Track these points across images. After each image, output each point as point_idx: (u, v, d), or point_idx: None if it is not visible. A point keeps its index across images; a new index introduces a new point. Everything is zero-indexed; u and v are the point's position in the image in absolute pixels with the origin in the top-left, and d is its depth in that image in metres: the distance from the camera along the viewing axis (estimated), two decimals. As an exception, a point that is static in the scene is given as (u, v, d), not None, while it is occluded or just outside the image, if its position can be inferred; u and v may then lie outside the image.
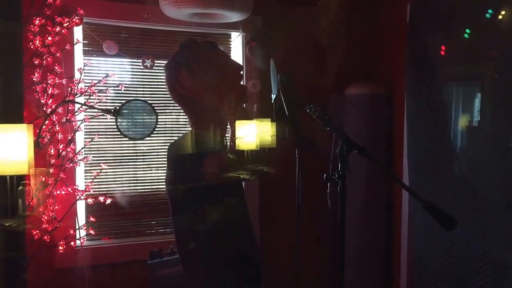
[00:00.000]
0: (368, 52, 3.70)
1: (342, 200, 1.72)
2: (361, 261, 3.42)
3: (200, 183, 2.05)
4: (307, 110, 1.87)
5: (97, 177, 2.99)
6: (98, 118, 3.02)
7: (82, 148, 2.94)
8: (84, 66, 2.94)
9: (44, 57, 2.75)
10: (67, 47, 2.84)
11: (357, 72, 3.61)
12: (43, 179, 2.70)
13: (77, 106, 2.86)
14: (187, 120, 3.31)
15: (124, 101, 2.32)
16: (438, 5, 2.89)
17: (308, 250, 2.87)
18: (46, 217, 2.74)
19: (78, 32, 3.05)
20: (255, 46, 3.36)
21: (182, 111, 3.30)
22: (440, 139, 2.85)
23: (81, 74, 2.88)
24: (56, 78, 2.80)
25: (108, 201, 2.90)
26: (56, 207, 2.80)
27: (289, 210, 2.54)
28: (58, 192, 2.79)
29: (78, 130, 2.89)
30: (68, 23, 2.80)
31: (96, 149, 3.17)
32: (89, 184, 2.94)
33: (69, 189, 2.83)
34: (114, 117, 2.28)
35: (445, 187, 2.80)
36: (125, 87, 3.06)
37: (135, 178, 3.29)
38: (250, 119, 2.38)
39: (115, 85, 3.03)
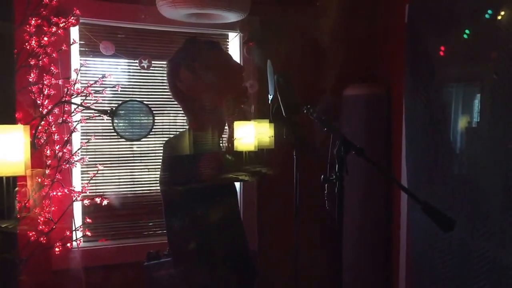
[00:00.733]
0: (366, 52, 3.69)
1: (340, 201, 1.71)
2: (360, 262, 3.41)
3: (195, 183, 2.04)
4: (305, 111, 1.86)
5: (93, 178, 2.97)
6: (95, 119, 3.00)
7: (78, 149, 2.93)
8: (81, 66, 2.93)
9: (40, 57, 2.74)
10: (63, 48, 2.83)
11: (356, 73, 3.60)
12: (39, 180, 2.70)
13: (73, 106, 2.84)
14: (184, 120, 3.31)
15: (120, 102, 2.31)
16: (437, 6, 2.88)
17: (306, 251, 2.86)
18: (42, 219, 2.74)
19: (74, 33, 3.04)
20: (252, 47, 3.35)
21: (179, 112, 3.31)
22: (439, 140, 2.84)
23: (77, 74, 2.87)
24: (52, 79, 2.78)
25: (105, 202, 2.89)
26: (52, 208, 2.79)
27: (287, 211, 2.53)
28: (55, 193, 2.78)
29: (75, 131, 2.87)
30: (64, 24, 2.79)
31: (93, 150, 3.15)
32: (86, 185, 2.93)
33: (66, 190, 2.82)
34: (110, 118, 2.27)
35: (444, 188, 2.79)
36: (121, 87, 3.05)
37: (132, 179, 3.28)
38: (249, 120, 2.37)
39: (112, 86, 3.02)
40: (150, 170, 3.30)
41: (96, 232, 3.13)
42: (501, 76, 2.39)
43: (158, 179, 3.19)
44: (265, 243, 3.45)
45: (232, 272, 2.19)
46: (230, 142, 2.31)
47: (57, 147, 2.79)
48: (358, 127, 3.38)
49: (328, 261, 3.49)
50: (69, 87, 2.84)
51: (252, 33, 3.35)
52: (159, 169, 2.27)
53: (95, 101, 2.93)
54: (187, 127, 2.31)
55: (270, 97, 2.27)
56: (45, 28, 2.75)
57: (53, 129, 2.78)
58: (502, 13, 2.42)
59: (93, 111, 2.83)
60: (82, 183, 3.09)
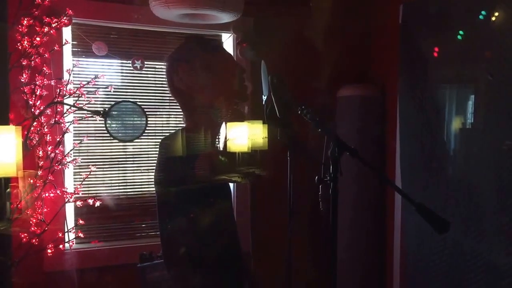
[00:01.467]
0: (360, 53, 3.70)
1: (334, 203, 1.70)
2: (354, 263, 3.41)
3: (189, 184, 2.02)
4: (299, 112, 1.85)
5: (86, 179, 2.96)
6: (87, 120, 2.98)
7: (71, 150, 2.91)
8: (73, 67, 2.91)
9: (33, 58, 2.72)
10: (55, 48, 2.81)
11: (350, 74, 3.60)
12: (32, 181, 2.68)
13: (66, 107, 2.83)
14: (177, 121, 3.30)
15: (113, 103, 2.29)
16: (431, 7, 2.89)
17: (300, 253, 2.85)
18: (34, 220, 2.72)
19: (67, 33, 3.02)
20: (246, 47, 3.33)
21: (172, 112, 3.30)
22: (433, 141, 2.85)
23: (70, 75, 2.85)
24: (45, 79, 2.77)
25: (98, 203, 2.87)
26: (45, 210, 2.77)
27: (281, 213, 2.52)
28: (47, 194, 2.76)
29: (67, 132, 2.86)
30: (56, 24, 2.77)
31: (85, 151, 3.14)
32: (78, 186, 2.91)
33: (58, 192, 2.80)
34: (103, 119, 2.25)
35: (438, 189, 2.79)
36: (114, 88, 3.04)
37: (125, 181, 3.26)
38: (243, 120, 2.36)
39: (105, 87, 3.01)
40: (143, 171, 3.28)
41: (89, 233, 3.11)
42: (495, 77, 2.39)
43: (151, 180, 3.21)
44: (259, 245, 3.44)
45: (224, 274, 2.18)
46: (224, 143, 2.30)
47: (49, 148, 2.77)
48: (352, 128, 3.38)
49: (322, 262, 3.49)
50: (61, 88, 2.82)
51: (245, 34, 3.34)
52: (153, 170, 2.26)
53: (87, 102, 2.91)
54: (180, 127, 2.29)
55: (264, 97, 2.26)
56: (37, 28, 2.73)
57: (46, 130, 2.76)
58: (496, 14, 2.43)
59: (85, 112, 2.82)
60: (74, 184, 3.07)
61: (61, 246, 2.85)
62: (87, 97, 2.91)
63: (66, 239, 2.88)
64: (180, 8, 2.56)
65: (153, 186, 2.26)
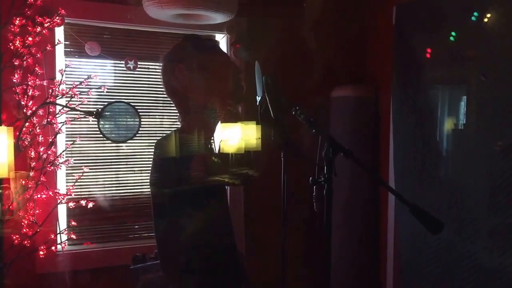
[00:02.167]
0: (354, 54, 3.70)
1: (329, 204, 1.70)
2: (348, 264, 3.41)
3: (185, 185, 2.01)
4: (293, 113, 1.84)
5: (78, 180, 2.94)
6: (80, 120, 2.96)
7: (63, 151, 2.89)
8: (66, 67, 2.89)
9: (25, 58, 2.70)
10: (48, 48, 2.79)
11: (343, 75, 3.61)
12: (23, 182, 2.66)
13: (58, 108, 2.81)
14: (171, 122, 3.29)
15: (106, 103, 2.28)
16: (424, 8, 2.90)
17: (294, 254, 2.85)
18: (26, 221, 2.70)
19: (59, 33, 3.00)
20: (239, 48, 3.33)
21: (165, 113, 3.29)
22: (426, 142, 2.86)
23: (62, 75, 2.83)
24: (37, 80, 2.75)
25: (90, 205, 2.85)
26: (37, 211, 2.75)
27: (275, 214, 2.51)
28: (39, 195, 2.74)
29: (59, 133, 2.84)
30: (49, 24, 2.75)
31: (78, 152, 3.12)
32: (71, 187, 2.89)
33: (50, 193, 2.78)
34: (96, 119, 2.25)
35: (431, 189, 2.80)
36: (107, 88, 3.02)
37: (118, 182, 3.25)
38: (237, 121, 2.35)
39: (98, 87, 2.99)
40: (136, 172, 3.27)
41: (81, 235, 3.09)
42: (488, 78, 2.40)
43: (144, 181, 3.20)
44: (252, 246, 3.43)
45: (221, 275, 2.17)
46: (219, 144, 2.29)
47: (41, 149, 2.75)
48: (345, 128, 3.38)
49: (316, 263, 3.49)
50: (54, 88, 2.81)
51: (239, 35, 3.34)
52: (146, 171, 2.25)
53: (80, 102, 2.90)
54: (174, 128, 2.28)
55: (258, 98, 2.26)
56: (29, 28, 2.71)
57: (38, 130, 2.74)
58: (489, 15, 2.44)
59: (78, 112, 2.80)
60: (67, 186, 3.05)
61: (53, 247, 2.83)
62: (80, 98, 2.89)
63: (59, 241, 2.86)
64: (173, 8, 2.55)
65: (146, 187, 2.26)
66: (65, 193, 2.85)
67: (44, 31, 2.75)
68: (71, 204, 2.85)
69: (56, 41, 2.88)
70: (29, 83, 2.71)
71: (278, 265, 2.40)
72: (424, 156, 2.86)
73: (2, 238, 2.51)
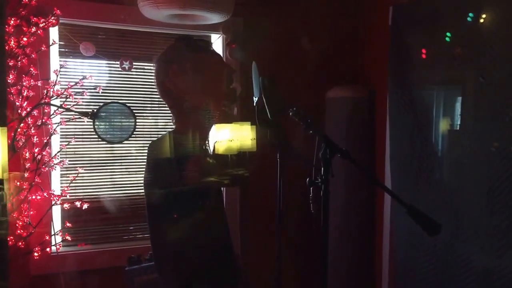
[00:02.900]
0: (350, 54, 3.70)
1: (325, 205, 1.69)
2: (344, 266, 3.41)
3: (180, 186, 2.00)
4: (290, 113, 1.84)
5: (73, 181, 2.92)
6: (75, 121, 2.95)
7: (58, 152, 2.87)
8: (61, 67, 2.88)
9: (19, 58, 2.69)
10: (42, 48, 2.78)
11: (339, 75, 3.61)
12: (18, 183, 2.64)
13: (53, 108, 2.79)
14: (166, 122, 3.28)
15: (101, 104, 2.27)
16: (420, 8, 2.90)
17: (290, 255, 2.85)
18: (20, 223, 2.69)
19: (54, 33, 2.98)
20: (235, 49, 3.32)
21: (161, 114, 3.28)
22: (423, 143, 2.86)
23: (57, 76, 2.82)
24: (32, 80, 2.73)
25: (85, 206, 2.84)
26: (31, 213, 2.74)
27: (271, 215, 2.51)
28: (33, 197, 2.73)
29: (54, 134, 2.82)
30: (44, 24, 2.74)
31: (73, 152, 3.10)
32: (65, 188, 2.87)
33: (45, 194, 2.76)
34: (91, 120, 2.23)
35: (428, 191, 2.80)
36: (102, 89, 3.01)
37: (113, 183, 3.23)
38: (233, 122, 2.34)
39: (92, 87, 2.97)
40: (131, 173, 3.25)
41: (76, 236, 3.08)
42: (486, 79, 2.41)
43: (139, 182, 3.18)
44: (248, 247, 3.42)
45: (217, 277, 2.16)
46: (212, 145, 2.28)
47: (36, 150, 2.74)
48: (342, 129, 3.38)
49: (312, 265, 3.49)
50: (48, 89, 2.79)
51: (235, 35, 3.33)
52: (141, 172, 2.24)
53: (75, 103, 2.88)
54: (169, 128, 2.27)
55: (255, 99, 2.25)
56: (24, 28, 2.70)
57: (32, 131, 2.73)
58: (484, 16, 2.44)
59: (73, 113, 2.78)
60: (61, 187, 3.04)
61: (47, 249, 2.82)
62: (75, 98, 2.88)
63: (53, 242, 2.84)
64: (169, 9, 2.54)
65: (141, 188, 2.24)
66: (59, 194, 2.83)
67: (38, 31, 2.73)
68: (66, 205, 2.83)
69: (51, 41, 2.86)
70: (24, 83, 2.70)
71: (274, 266, 2.40)
72: (421, 156, 2.86)
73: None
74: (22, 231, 2.69)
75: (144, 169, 2.16)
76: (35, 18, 2.72)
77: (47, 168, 2.80)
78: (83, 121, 2.97)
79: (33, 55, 2.73)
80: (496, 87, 2.38)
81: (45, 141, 2.78)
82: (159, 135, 3.19)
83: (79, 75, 3.00)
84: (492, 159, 2.36)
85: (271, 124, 2.12)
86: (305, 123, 1.79)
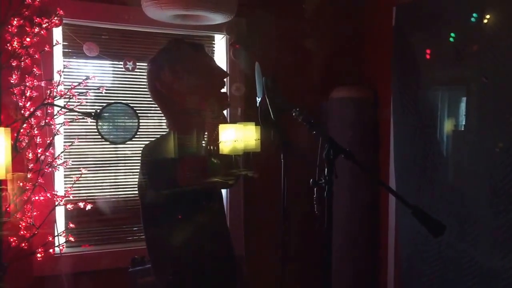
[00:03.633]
0: (354, 55, 3.69)
1: (329, 206, 1.68)
2: (348, 267, 3.39)
3: (175, 189, 1.99)
4: (293, 114, 1.83)
5: (76, 182, 2.92)
6: (78, 122, 2.94)
7: (61, 152, 2.87)
8: (64, 68, 2.87)
9: (23, 58, 2.68)
10: (46, 49, 2.77)
11: (343, 75, 3.60)
12: (21, 184, 2.64)
13: (56, 109, 2.79)
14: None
15: (105, 104, 2.27)
16: (424, 8, 2.88)
17: (294, 256, 2.84)
18: (24, 224, 2.68)
19: (57, 33, 2.99)
20: (239, 49, 3.31)
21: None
22: (427, 143, 2.84)
23: (60, 76, 2.82)
24: (35, 80, 2.73)
25: (88, 207, 2.83)
26: (34, 213, 2.74)
27: (275, 216, 2.50)
28: (37, 197, 2.72)
29: (57, 134, 2.82)
30: (47, 24, 2.73)
31: (76, 153, 3.10)
32: (69, 189, 2.87)
33: (48, 195, 2.76)
34: (94, 121, 2.23)
35: (432, 192, 2.78)
36: (106, 89, 3.00)
37: (116, 183, 3.23)
38: (234, 123, 2.34)
39: (96, 88, 2.97)
40: (134, 173, 3.25)
41: (80, 237, 3.08)
42: (489, 80, 2.39)
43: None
44: (252, 248, 3.42)
45: (215, 280, 2.15)
46: (215, 145, 2.27)
47: (39, 150, 2.73)
48: (345, 130, 3.37)
49: (316, 265, 3.48)
50: (52, 89, 2.79)
51: (238, 35, 3.32)
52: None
53: (78, 103, 2.87)
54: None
55: (258, 99, 2.25)
56: (27, 29, 2.69)
57: (36, 131, 2.72)
58: (488, 16, 2.42)
59: (76, 113, 2.77)
60: (65, 187, 3.03)
61: (51, 250, 2.81)
62: (78, 99, 2.87)
63: (56, 243, 2.84)
64: (172, 9, 2.54)
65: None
66: (63, 195, 2.83)
67: (42, 32, 2.72)
68: (69, 206, 2.83)
69: (54, 41, 2.86)
70: (27, 84, 2.69)
71: (278, 267, 2.39)
72: (425, 157, 2.84)
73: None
74: (25, 232, 2.68)
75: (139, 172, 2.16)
76: (38, 19, 2.71)
77: (50, 169, 2.80)
78: (87, 122, 2.97)
79: (36, 56, 2.73)
80: (499, 87, 2.36)
81: (48, 141, 2.77)
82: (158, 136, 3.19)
83: (82, 75, 3.00)
84: (496, 159, 2.34)
85: (274, 125, 2.12)
86: (308, 123, 1.78)
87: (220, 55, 3.46)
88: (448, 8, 2.70)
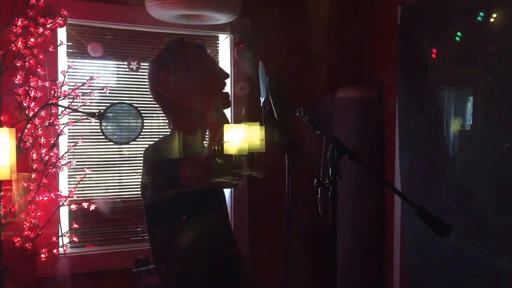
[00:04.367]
0: (358, 54, 3.68)
1: (333, 206, 1.67)
2: (353, 268, 3.38)
3: (177, 190, 1.98)
4: (297, 114, 1.82)
5: (80, 182, 2.91)
6: (82, 122, 2.94)
7: (65, 153, 2.87)
8: (68, 68, 2.87)
9: (27, 59, 2.67)
10: (50, 49, 2.76)
11: (348, 75, 3.58)
12: (25, 184, 2.64)
13: (60, 109, 2.78)
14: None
15: (109, 104, 2.26)
16: (429, 8, 2.87)
17: (298, 257, 2.83)
18: (28, 224, 2.68)
19: (62, 34, 2.99)
20: (243, 49, 3.31)
21: (168, 114, 3.26)
22: (433, 143, 2.82)
23: (64, 76, 2.81)
24: (39, 81, 2.72)
25: (92, 207, 2.83)
26: (38, 214, 2.73)
27: (279, 216, 2.49)
28: (41, 198, 2.72)
29: (62, 134, 2.81)
30: (51, 24, 2.73)
31: (80, 153, 3.10)
32: (73, 189, 2.86)
33: (52, 195, 2.76)
34: (98, 121, 2.22)
35: (438, 192, 2.77)
36: (110, 90, 2.99)
37: (120, 184, 3.23)
38: (239, 123, 2.33)
39: (100, 88, 2.97)
40: (138, 174, 3.24)
41: (84, 238, 3.08)
42: (495, 79, 2.37)
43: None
44: (257, 249, 3.41)
45: (221, 279, 2.14)
46: (219, 146, 2.26)
47: (43, 151, 2.73)
48: (350, 130, 3.35)
49: (321, 267, 3.46)
50: (56, 89, 2.78)
51: (243, 35, 3.32)
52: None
53: (82, 104, 2.87)
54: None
55: (262, 99, 2.24)
56: (32, 29, 2.69)
57: (40, 132, 2.72)
58: (495, 15, 2.41)
59: (80, 113, 2.77)
60: (69, 188, 3.04)
61: (55, 250, 2.81)
62: (82, 99, 2.86)
63: (60, 244, 2.84)
64: (176, 9, 2.54)
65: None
66: (67, 195, 2.83)
67: (46, 32, 2.72)
68: (73, 207, 2.82)
69: (59, 42, 2.86)
70: (31, 84, 2.69)
71: (283, 267, 2.38)
72: (431, 157, 2.83)
73: (3, 241, 2.49)
74: (29, 232, 2.68)
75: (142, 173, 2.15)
76: (42, 19, 2.71)
77: (54, 169, 2.79)
78: (91, 122, 2.97)
79: (40, 56, 2.73)
80: (506, 86, 2.35)
81: (53, 142, 2.77)
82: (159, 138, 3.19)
83: (86, 75, 3.00)
84: (503, 159, 2.33)
85: (278, 125, 2.10)
86: (312, 123, 1.77)
87: (224, 55, 3.45)
88: (454, 7, 2.69)
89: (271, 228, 3.17)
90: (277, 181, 2.43)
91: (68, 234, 2.89)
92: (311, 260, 3.41)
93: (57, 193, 2.80)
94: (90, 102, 2.94)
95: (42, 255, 2.74)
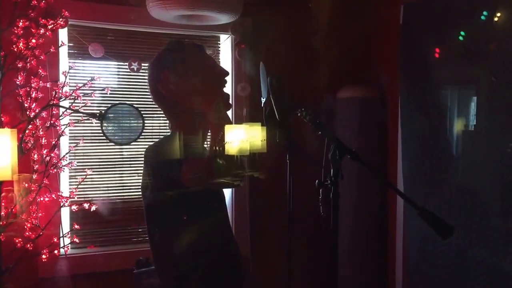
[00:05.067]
0: (360, 54, 3.67)
1: (335, 207, 1.66)
2: (355, 268, 3.37)
3: (178, 190, 1.98)
4: (299, 114, 1.82)
5: (82, 183, 2.91)
6: (83, 123, 2.94)
7: (66, 153, 2.87)
8: (69, 69, 2.88)
9: (28, 60, 2.67)
10: (51, 50, 2.76)
11: (350, 75, 3.57)
12: (26, 185, 2.64)
13: (61, 110, 2.78)
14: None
15: (110, 105, 2.26)
16: (432, 7, 2.86)
17: (300, 258, 2.82)
18: (29, 225, 2.68)
19: (63, 35, 2.99)
20: (244, 49, 3.30)
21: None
22: (435, 144, 2.81)
23: (66, 77, 2.81)
24: (40, 82, 2.72)
25: (93, 208, 2.82)
26: (40, 214, 2.73)
27: (280, 217, 2.48)
28: (42, 198, 2.72)
29: (63, 135, 2.81)
30: (52, 25, 2.73)
31: (81, 154, 3.10)
32: (74, 190, 2.86)
33: (53, 196, 2.75)
34: (99, 122, 2.22)
35: (441, 193, 2.75)
36: (111, 90, 3.00)
37: (121, 184, 3.22)
38: (240, 123, 2.32)
39: (101, 89, 2.96)
40: (139, 174, 3.23)
41: (85, 238, 3.08)
42: (499, 79, 2.37)
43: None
44: (258, 250, 3.40)
45: (222, 280, 2.13)
46: (220, 146, 2.25)
47: (44, 152, 2.73)
48: (352, 130, 3.34)
49: (323, 268, 3.45)
50: (57, 90, 2.78)
51: (244, 35, 3.31)
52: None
53: (83, 104, 2.86)
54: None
55: (263, 100, 2.23)
56: (33, 30, 2.69)
57: (41, 133, 2.72)
58: (498, 14, 2.40)
59: (81, 114, 2.77)
60: (70, 188, 3.03)
61: (56, 251, 2.80)
62: (83, 100, 2.86)
63: (61, 244, 2.84)
64: (177, 10, 2.53)
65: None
66: (68, 196, 2.82)
67: (47, 33, 2.72)
68: (74, 207, 2.82)
69: (60, 43, 2.85)
70: (33, 85, 2.69)
71: (284, 268, 2.37)
72: (433, 158, 2.82)
73: (4, 241, 2.49)
74: (30, 233, 2.68)
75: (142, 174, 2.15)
76: (44, 20, 2.71)
77: (55, 170, 2.79)
78: (92, 123, 2.97)
79: (42, 57, 2.73)
80: (509, 86, 2.33)
81: (54, 142, 2.77)
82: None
83: (87, 76, 2.99)
84: (506, 160, 2.32)
85: (279, 125, 2.10)
86: (314, 123, 1.76)
87: (226, 55, 3.45)
88: (457, 6, 2.68)
89: (272, 229, 3.16)
90: (278, 182, 2.42)
91: (69, 235, 2.89)
92: (312, 261, 3.40)
93: (58, 194, 2.80)
94: (91, 103, 2.94)
95: (43, 256, 2.74)
